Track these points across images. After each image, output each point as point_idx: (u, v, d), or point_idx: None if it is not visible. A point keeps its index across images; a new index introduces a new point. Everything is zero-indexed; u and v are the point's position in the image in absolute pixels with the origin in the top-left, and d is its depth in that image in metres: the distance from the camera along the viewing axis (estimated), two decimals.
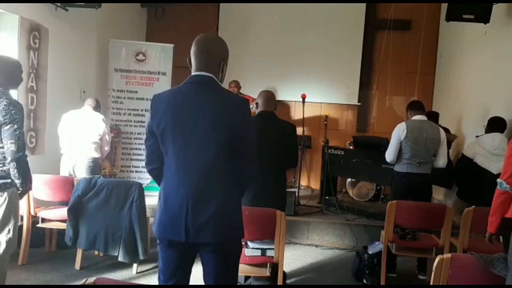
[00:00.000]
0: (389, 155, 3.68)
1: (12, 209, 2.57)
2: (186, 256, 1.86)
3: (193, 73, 1.84)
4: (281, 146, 2.90)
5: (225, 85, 1.96)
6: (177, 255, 1.83)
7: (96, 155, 4.12)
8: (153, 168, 1.90)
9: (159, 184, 1.91)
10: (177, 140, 1.76)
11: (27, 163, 2.57)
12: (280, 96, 6.66)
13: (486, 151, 3.94)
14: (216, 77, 1.84)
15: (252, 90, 5.71)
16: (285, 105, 6.81)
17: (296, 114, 6.70)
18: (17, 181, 2.53)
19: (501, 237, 2.30)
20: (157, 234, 1.83)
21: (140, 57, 5.36)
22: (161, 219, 1.80)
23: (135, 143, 5.41)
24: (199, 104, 1.76)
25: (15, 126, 2.45)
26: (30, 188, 2.68)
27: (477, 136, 4.20)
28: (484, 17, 4.36)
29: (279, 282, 2.82)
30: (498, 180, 2.24)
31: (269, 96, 3.10)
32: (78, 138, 4.03)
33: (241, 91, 5.93)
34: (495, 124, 3.99)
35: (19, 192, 2.60)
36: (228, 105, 1.80)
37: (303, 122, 5.58)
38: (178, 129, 1.76)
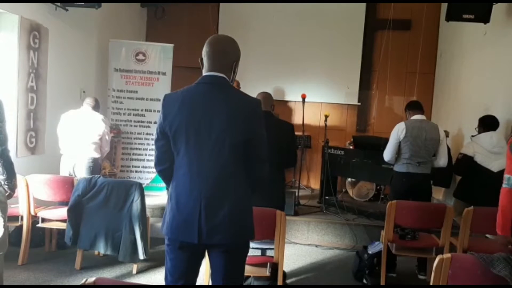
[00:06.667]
0: (387, 154, 3.69)
1: None
2: (196, 257, 1.86)
3: (205, 73, 1.83)
4: (279, 146, 2.90)
5: None
6: (188, 256, 1.83)
7: (96, 155, 4.12)
8: (163, 169, 1.89)
9: (168, 185, 1.89)
10: (190, 141, 1.75)
11: (11, 158, 2.49)
12: (280, 96, 6.66)
13: (485, 150, 3.95)
14: (227, 78, 1.83)
15: (252, 90, 5.70)
16: (285, 105, 6.82)
17: (296, 114, 6.70)
18: (2, 177, 2.43)
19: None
20: (167, 235, 1.82)
21: (140, 57, 5.37)
22: (172, 220, 1.79)
23: (135, 143, 5.41)
24: (213, 105, 1.76)
25: None
26: (15, 186, 2.56)
27: (472, 136, 4.21)
28: (484, 17, 4.36)
29: (279, 282, 2.82)
30: (506, 175, 2.11)
31: (266, 96, 3.13)
32: (78, 138, 4.03)
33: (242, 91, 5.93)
34: (490, 123, 4.00)
35: (7, 193, 2.50)
36: (242, 106, 1.79)
37: (303, 122, 5.58)
38: (192, 130, 1.75)
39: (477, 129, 4.12)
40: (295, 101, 6.60)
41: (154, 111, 5.29)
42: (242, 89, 5.93)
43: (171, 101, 1.81)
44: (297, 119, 6.39)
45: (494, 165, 3.89)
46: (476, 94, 5.01)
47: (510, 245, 2.13)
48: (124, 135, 5.36)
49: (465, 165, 4.13)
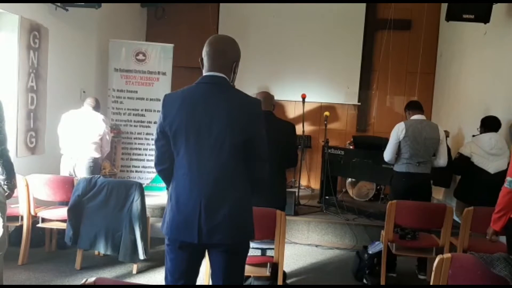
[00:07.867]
0: (387, 154, 3.69)
1: None
2: (196, 257, 1.87)
3: (206, 73, 1.83)
4: (280, 146, 2.90)
5: None
6: (188, 256, 1.83)
7: (96, 155, 4.12)
8: (163, 169, 1.89)
9: (168, 185, 1.90)
10: (190, 141, 1.75)
11: (10, 158, 2.49)
12: (280, 96, 6.65)
13: (483, 151, 3.94)
14: (228, 78, 1.83)
15: (252, 90, 5.71)
16: (285, 105, 6.82)
17: (296, 114, 6.70)
18: (1, 177, 2.43)
19: (499, 237, 2.29)
20: (167, 235, 1.82)
21: (140, 57, 5.37)
22: (173, 220, 1.79)
23: (135, 143, 5.41)
24: (213, 104, 1.76)
25: None
26: (15, 186, 2.56)
27: (473, 136, 4.21)
28: (484, 17, 4.36)
29: (279, 282, 2.82)
30: (508, 178, 2.21)
31: (266, 96, 3.12)
32: (78, 138, 4.03)
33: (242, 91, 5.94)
34: (491, 124, 4.00)
35: (6, 193, 2.49)
36: (242, 106, 1.79)
37: (303, 122, 5.58)
38: (192, 130, 1.75)
39: (479, 129, 4.12)
40: (295, 101, 6.59)
41: (154, 111, 5.29)
42: (241, 89, 5.98)
43: (171, 101, 1.81)
44: (297, 119, 6.39)
45: (491, 167, 3.89)
46: (476, 94, 5.01)
47: (493, 237, 2.33)
48: (124, 135, 5.36)
49: (461, 164, 4.14)
